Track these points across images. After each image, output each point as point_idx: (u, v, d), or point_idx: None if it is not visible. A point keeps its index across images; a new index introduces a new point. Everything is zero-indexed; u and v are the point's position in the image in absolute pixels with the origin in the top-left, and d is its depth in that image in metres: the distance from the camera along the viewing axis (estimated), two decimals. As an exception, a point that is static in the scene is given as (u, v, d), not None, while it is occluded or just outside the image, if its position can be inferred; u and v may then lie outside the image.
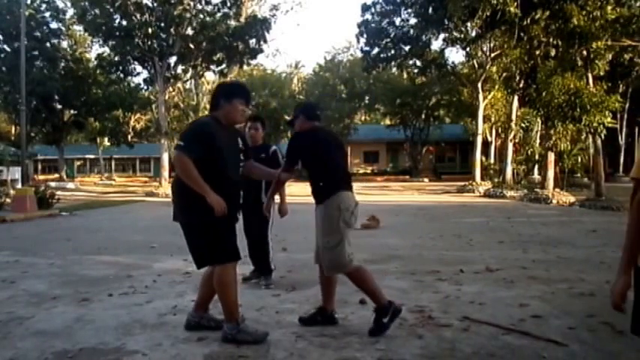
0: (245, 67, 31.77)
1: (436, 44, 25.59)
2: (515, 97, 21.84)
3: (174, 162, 3.07)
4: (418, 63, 26.43)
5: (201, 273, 5.23)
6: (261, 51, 25.97)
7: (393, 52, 24.91)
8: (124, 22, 23.90)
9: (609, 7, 13.80)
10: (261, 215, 4.06)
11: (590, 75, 14.76)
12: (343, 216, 3.25)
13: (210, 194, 2.96)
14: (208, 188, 2.96)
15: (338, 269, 3.30)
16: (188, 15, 23.61)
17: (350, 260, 3.25)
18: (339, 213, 3.24)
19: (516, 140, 24.23)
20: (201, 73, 29.33)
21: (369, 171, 42.13)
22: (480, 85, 23.85)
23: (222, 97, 3.20)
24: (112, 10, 23.40)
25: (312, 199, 3.42)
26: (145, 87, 30.25)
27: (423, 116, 38.88)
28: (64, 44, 32.33)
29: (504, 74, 22.07)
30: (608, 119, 14.22)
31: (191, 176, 2.97)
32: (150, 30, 23.43)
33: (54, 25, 30.28)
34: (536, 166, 23.53)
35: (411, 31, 23.98)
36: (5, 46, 28.15)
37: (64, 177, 34.34)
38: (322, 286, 3.46)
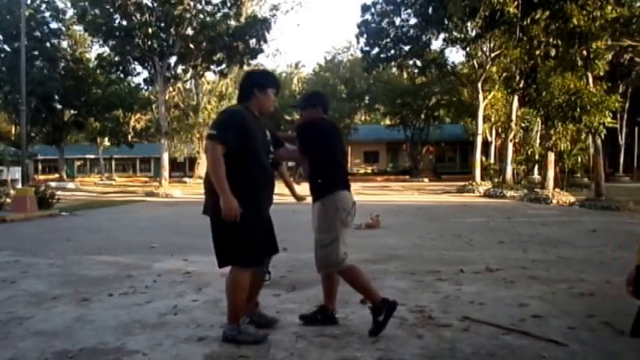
0: (245, 67, 31.76)
1: (436, 44, 25.60)
2: (515, 97, 21.84)
3: (204, 151, 2.99)
4: (418, 63, 26.41)
5: (202, 273, 5.26)
6: (261, 51, 26.01)
7: (393, 52, 24.88)
8: (124, 22, 23.90)
9: (609, 7, 13.78)
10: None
11: (590, 75, 14.75)
12: (340, 215, 3.22)
13: (226, 195, 2.85)
14: (227, 189, 2.85)
15: (329, 267, 3.28)
16: (188, 15, 23.61)
17: (343, 259, 3.22)
18: (336, 212, 3.22)
19: (516, 140, 24.23)
20: (201, 73, 29.33)
21: (369, 171, 42.14)
22: (479, 85, 23.84)
23: (256, 86, 3.14)
24: (112, 10, 23.40)
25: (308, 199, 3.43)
26: (145, 87, 30.28)
27: (423, 116, 38.89)
28: (64, 44, 32.36)
29: (504, 74, 22.07)
30: (608, 119, 14.22)
31: (217, 171, 2.86)
32: (150, 30, 23.43)
33: (54, 25, 30.31)
34: (536, 166, 23.52)
35: (411, 31, 23.97)
36: (5, 46, 28.15)
37: (64, 177, 34.34)
38: (324, 285, 3.45)
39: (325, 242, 3.22)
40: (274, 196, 3.27)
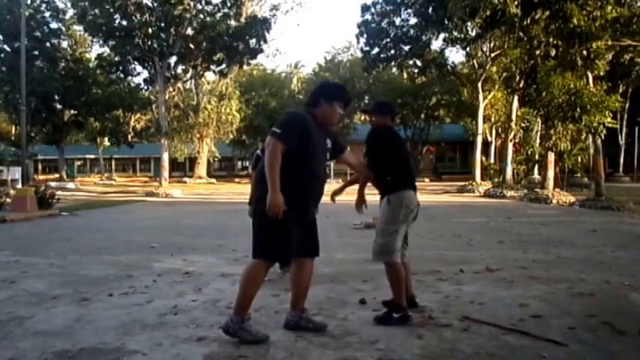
0: (245, 67, 31.80)
1: (436, 44, 25.59)
2: (515, 97, 21.85)
3: (266, 146, 3.05)
4: (418, 63, 26.41)
5: (202, 273, 5.26)
6: (261, 51, 26.05)
7: (393, 52, 24.89)
8: (124, 22, 23.93)
9: (609, 7, 13.77)
10: None
11: (590, 75, 14.74)
12: (403, 211, 3.52)
13: (275, 191, 2.95)
14: (277, 186, 2.95)
15: (383, 255, 3.51)
16: (188, 15, 23.63)
17: (396, 251, 3.49)
18: (400, 208, 3.51)
19: (516, 140, 24.24)
20: (201, 73, 29.38)
21: (369, 171, 42.08)
22: (479, 85, 23.85)
23: (324, 96, 3.25)
24: (112, 10, 23.42)
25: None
26: (145, 87, 30.32)
27: (423, 116, 38.90)
28: (64, 44, 32.35)
29: (504, 74, 22.09)
30: (608, 119, 14.21)
31: (272, 167, 2.97)
32: (150, 30, 23.46)
33: (54, 25, 30.36)
34: (536, 166, 23.53)
35: (411, 31, 23.98)
36: (5, 46, 28.18)
37: (64, 177, 34.33)
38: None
39: (387, 232, 3.50)
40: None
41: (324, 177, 3.35)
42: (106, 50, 26.77)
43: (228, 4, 24.93)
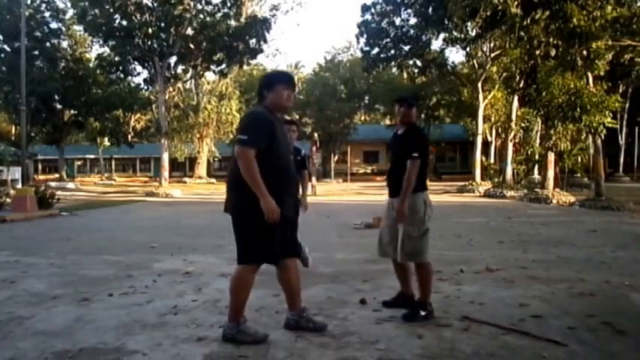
0: (245, 67, 31.79)
1: (436, 44, 25.63)
2: (515, 97, 21.84)
3: (236, 156, 2.96)
4: (418, 63, 26.39)
5: (202, 273, 5.25)
6: (261, 51, 26.02)
7: (393, 52, 24.88)
8: (124, 22, 23.91)
9: (609, 7, 13.76)
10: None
11: (590, 75, 14.73)
12: (429, 211, 3.61)
13: (266, 197, 2.90)
14: (265, 191, 2.90)
15: (415, 257, 3.55)
16: (188, 15, 23.62)
17: (428, 252, 3.57)
18: (424, 207, 3.60)
19: (516, 140, 24.23)
20: (201, 73, 29.36)
21: (369, 171, 42.17)
22: (479, 85, 23.84)
23: (265, 88, 3.18)
24: (112, 10, 23.41)
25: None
26: (145, 87, 30.30)
27: (423, 116, 38.83)
28: (64, 44, 32.34)
29: (504, 74, 22.08)
30: (608, 119, 14.20)
31: (253, 176, 2.90)
32: (150, 30, 23.45)
33: (54, 25, 30.36)
34: (536, 166, 23.53)
35: (411, 31, 23.97)
36: (5, 46, 28.17)
37: (65, 177, 34.33)
38: (398, 274, 3.78)
39: (415, 234, 3.53)
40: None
41: (294, 171, 3.29)
42: (106, 50, 26.75)
43: (228, 4, 24.92)
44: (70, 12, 29.56)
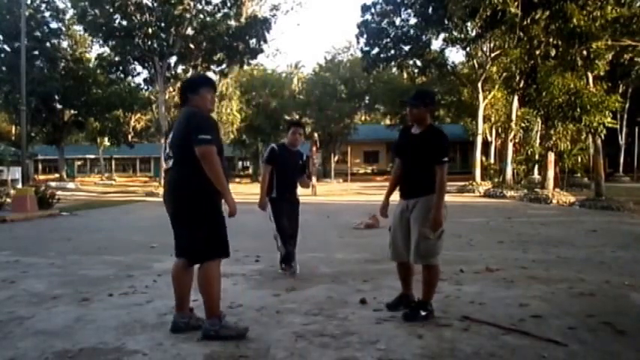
0: (245, 67, 31.79)
1: (436, 44, 25.59)
2: (515, 97, 21.83)
3: (202, 155, 3.01)
4: (418, 63, 26.41)
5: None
6: (261, 51, 26.04)
7: (393, 52, 24.88)
8: (124, 22, 23.92)
9: (609, 7, 13.76)
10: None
11: (590, 75, 14.74)
12: (445, 212, 3.49)
13: (229, 194, 3.11)
14: (228, 188, 3.12)
15: (429, 258, 3.49)
16: (188, 15, 23.63)
17: (440, 254, 3.54)
18: (443, 209, 3.52)
19: (516, 140, 24.23)
20: (201, 73, 29.31)
21: (369, 171, 42.15)
22: (479, 85, 23.84)
23: (189, 91, 3.27)
24: (112, 10, 23.42)
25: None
26: (145, 87, 30.30)
27: (423, 116, 38.80)
28: (64, 44, 32.32)
29: (504, 74, 22.06)
30: (608, 119, 14.21)
31: (219, 173, 3.05)
32: (150, 30, 23.45)
33: (54, 25, 30.34)
34: (536, 166, 23.53)
35: (411, 31, 23.98)
36: (5, 46, 28.16)
37: (65, 177, 34.33)
38: (402, 275, 3.75)
39: (432, 236, 3.45)
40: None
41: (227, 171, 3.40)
42: (106, 50, 26.76)
43: (228, 4, 24.93)
44: (70, 12, 29.59)
